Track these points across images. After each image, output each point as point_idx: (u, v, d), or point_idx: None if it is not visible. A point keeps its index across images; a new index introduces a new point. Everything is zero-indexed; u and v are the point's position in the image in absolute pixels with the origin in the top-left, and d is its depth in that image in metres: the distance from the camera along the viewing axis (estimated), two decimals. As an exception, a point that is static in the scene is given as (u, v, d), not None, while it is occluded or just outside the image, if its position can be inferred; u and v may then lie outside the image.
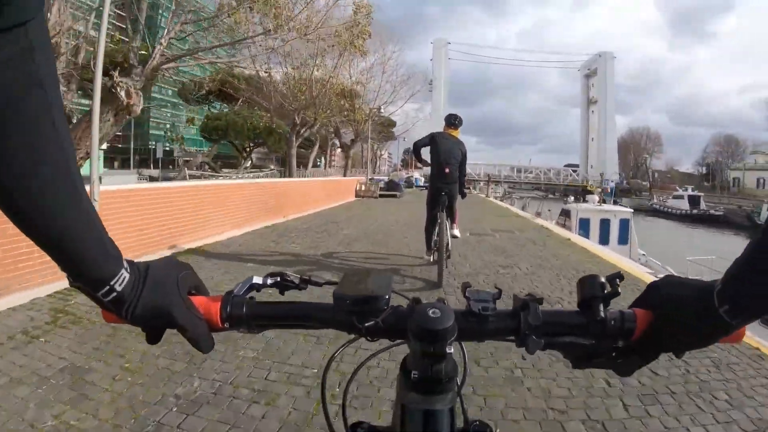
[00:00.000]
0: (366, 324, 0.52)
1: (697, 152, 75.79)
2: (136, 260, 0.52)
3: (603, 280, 0.53)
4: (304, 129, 18.76)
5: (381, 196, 20.08)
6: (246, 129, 28.25)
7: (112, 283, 0.47)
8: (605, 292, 0.53)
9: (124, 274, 0.48)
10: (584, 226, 14.29)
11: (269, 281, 0.58)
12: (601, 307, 0.52)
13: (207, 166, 28.04)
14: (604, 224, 14.45)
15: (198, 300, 0.54)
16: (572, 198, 31.31)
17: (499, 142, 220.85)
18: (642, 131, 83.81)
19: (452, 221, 5.33)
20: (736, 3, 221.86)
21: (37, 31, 0.37)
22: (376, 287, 0.54)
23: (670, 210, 44.00)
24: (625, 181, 53.96)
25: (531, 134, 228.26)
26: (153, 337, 0.53)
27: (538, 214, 16.66)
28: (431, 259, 5.38)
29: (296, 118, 17.16)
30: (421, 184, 33.17)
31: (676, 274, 0.61)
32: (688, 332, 0.50)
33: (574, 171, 70.39)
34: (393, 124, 69.78)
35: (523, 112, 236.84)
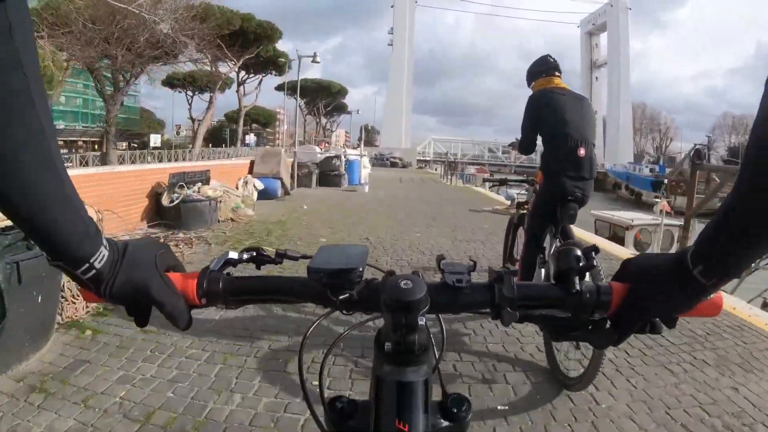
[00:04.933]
0: (340, 297, 0.51)
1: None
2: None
3: (579, 252, 0.53)
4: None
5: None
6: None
7: (91, 260, 0.46)
8: (581, 264, 0.52)
9: (104, 252, 0.47)
10: None
11: (245, 256, 0.57)
12: (577, 280, 0.52)
13: None
14: None
15: (175, 277, 0.54)
16: None
17: (456, 121, 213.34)
18: (637, 107, 70.44)
19: None
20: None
21: (16, 10, 0.36)
22: (349, 260, 0.53)
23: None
24: (660, 168, 37.91)
25: (487, 115, 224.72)
26: (140, 320, 0.53)
27: None
28: None
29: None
30: (363, 181, 15.34)
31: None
32: (663, 297, 0.50)
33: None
34: (342, 90, 54.71)
35: (479, 94, 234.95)
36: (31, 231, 0.43)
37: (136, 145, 41.72)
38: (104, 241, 0.48)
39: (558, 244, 2.70)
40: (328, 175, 14.31)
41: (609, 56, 57.18)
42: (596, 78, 61.14)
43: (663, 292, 0.50)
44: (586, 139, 2.59)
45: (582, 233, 6.91)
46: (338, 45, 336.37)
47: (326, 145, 29.60)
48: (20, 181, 0.39)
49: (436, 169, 36.88)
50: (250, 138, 50.19)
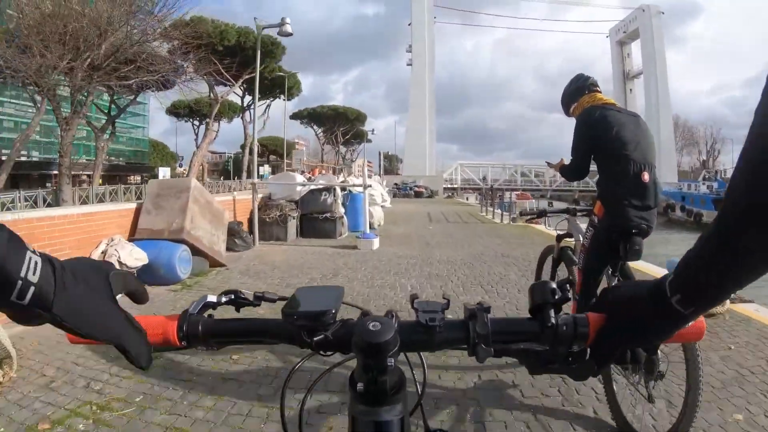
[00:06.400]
0: (315, 338, 0.52)
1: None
2: None
3: (554, 285, 0.53)
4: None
5: None
6: None
7: (22, 274, 0.34)
8: (556, 297, 0.53)
9: (33, 257, 0.36)
10: None
11: (224, 299, 0.59)
12: (552, 313, 0.52)
13: None
14: None
15: (155, 320, 0.54)
16: None
17: (479, 149, 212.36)
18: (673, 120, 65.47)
19: None
20: (703, 8, 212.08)
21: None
22: (323, 302, 0.54)
23: None
24: (720, 184, 32.66)
25: (509, 140, 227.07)
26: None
27: None
28: None
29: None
30: (372, 225, 9.78)
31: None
32: (639, 326, 0.49)
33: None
34: (360, 116, 51.89)
35: (500, 119, 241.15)
36: None
37: (147, 178, 39.90)
38: (29, 246, 0.36)
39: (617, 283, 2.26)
40: (315, 219, 8.95)
41: (644, 65, 53.13)
42: (630, 90, 57.02)
43: (640, 321, 0.49)
44: (649, 162, 2.30)
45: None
46: (358, 76, 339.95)
47: (322, 171, 24.82)
48: None
49: (467, 198, 32.90)
50: (265, 169, 47.05)
